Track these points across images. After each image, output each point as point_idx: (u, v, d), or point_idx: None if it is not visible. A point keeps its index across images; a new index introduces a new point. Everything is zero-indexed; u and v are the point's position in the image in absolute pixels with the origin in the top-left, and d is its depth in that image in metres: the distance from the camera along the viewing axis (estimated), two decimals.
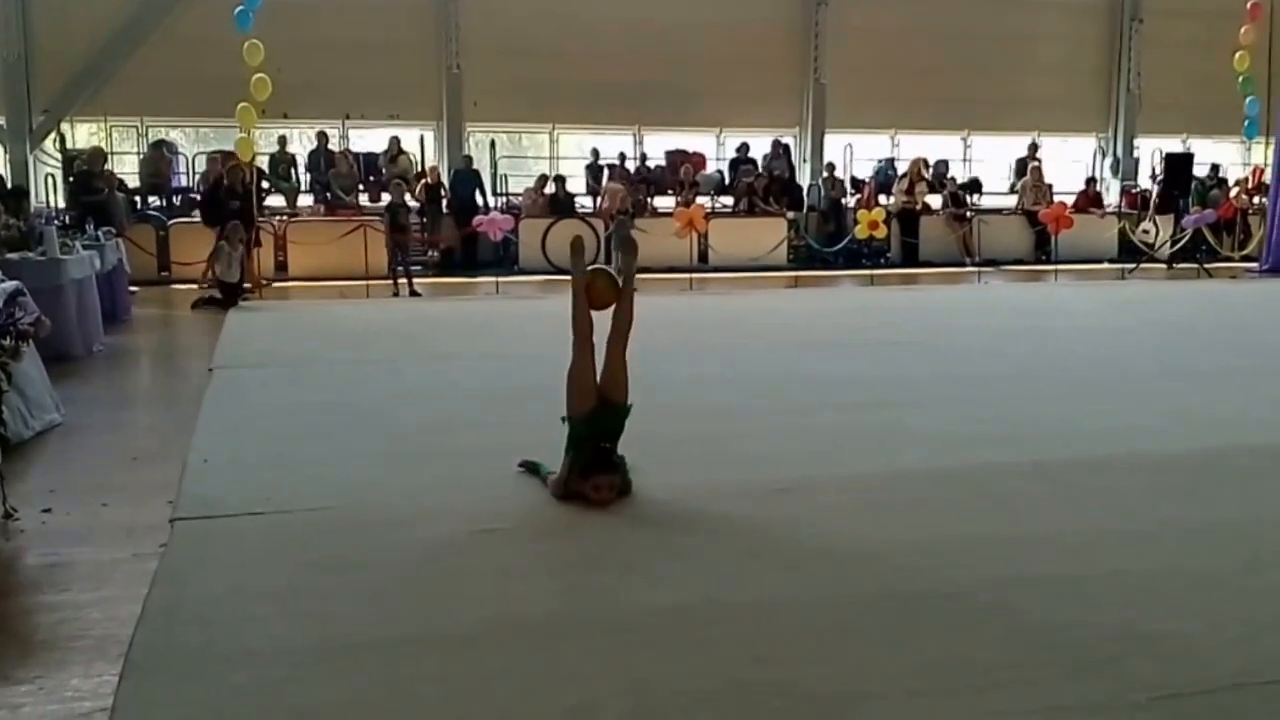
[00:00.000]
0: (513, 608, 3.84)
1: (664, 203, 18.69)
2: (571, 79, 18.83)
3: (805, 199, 19.62)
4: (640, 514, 4.91)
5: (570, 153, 20.21)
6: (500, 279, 15.13)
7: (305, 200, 17.98)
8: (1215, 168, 21.15)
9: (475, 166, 18.32)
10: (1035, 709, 3.14)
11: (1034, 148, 20.66)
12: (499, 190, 18.75)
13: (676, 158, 19.43)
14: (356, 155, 18.43)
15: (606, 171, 18.60)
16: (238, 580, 4.07)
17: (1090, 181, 20.80)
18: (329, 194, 17.53)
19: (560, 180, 18.26)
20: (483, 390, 7.72)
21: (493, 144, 19.20)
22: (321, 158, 17.98)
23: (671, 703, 3.18)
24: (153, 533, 4.61)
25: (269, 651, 3.46)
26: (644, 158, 19.58)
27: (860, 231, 16.67)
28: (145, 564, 4.24)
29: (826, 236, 18.68)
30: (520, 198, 18.35)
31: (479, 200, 17.81)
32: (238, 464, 5.68)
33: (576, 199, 18.41)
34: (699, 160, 19.68)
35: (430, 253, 17.56)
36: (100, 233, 11.76)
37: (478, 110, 19.20)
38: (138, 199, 17.04)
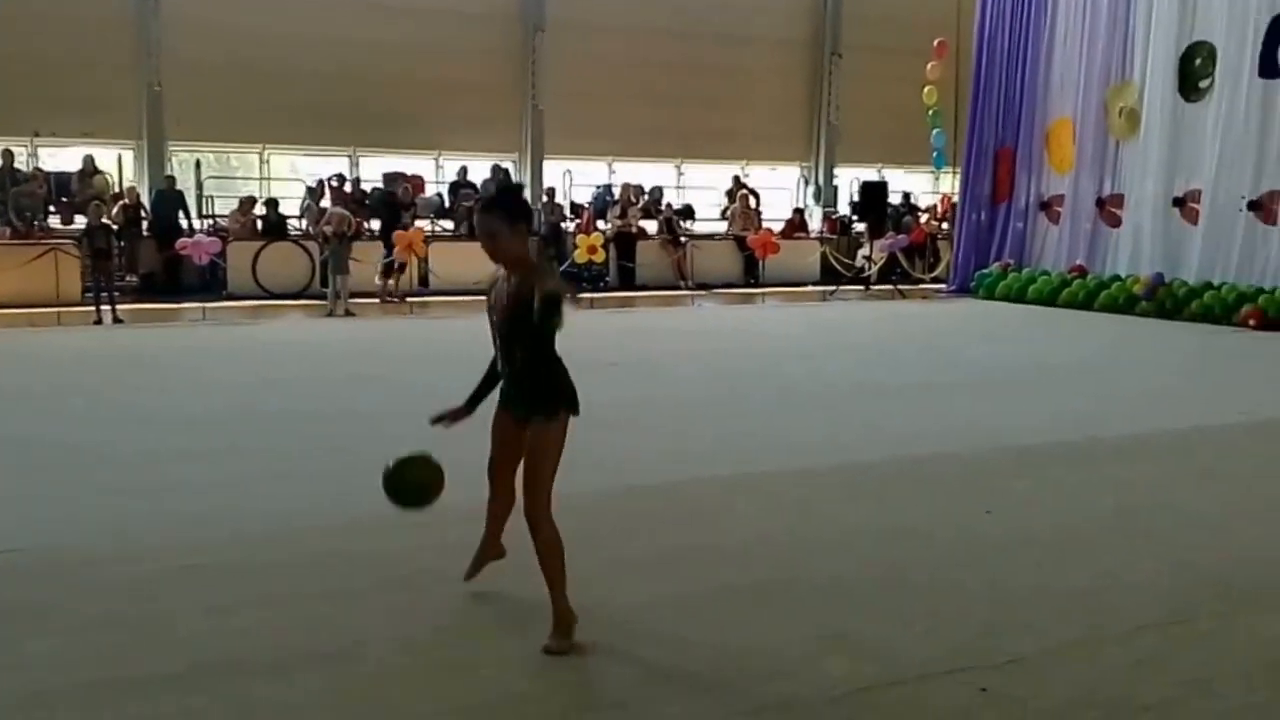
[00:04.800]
0: (226, 645, 3.67)
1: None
2: (283, 99, 18.21)
3: None
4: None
5: (283, 173, 19.50)
6: (207, 304, 14.43)
7: None
8: (907, 196, 22.75)
9: (179, 187, 17.40)
10: (736, 712, 3.26)
11: (737, 180, 21.53)
12: (205, 212, 17.86)
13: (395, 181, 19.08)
14: (47, 175, 17.12)
15: (328, 192, 17.94)
16: None
17: (797, 211, 21.95)
18: (15, 216, 16.16)
19: (272, 203, 17.59)
20: (189, 421, 7.32)
21: (198, 164, 18.29)
22: (8, 177, 16.58)
23: None
24: None
25: None
26: (357, 181, 19.08)
27: (579, 255, 16.99)
28: None
29: (547, 260, 18.87)
30: (227, 220, 17.52)
31: (183, 222, 16.91)
32: None
33: (289, 221, 17.78)
34: (418, 183, 19.43)
35: (129, 277, 16.50)
36: None
37: (182, 129, 18.25)
38: None
